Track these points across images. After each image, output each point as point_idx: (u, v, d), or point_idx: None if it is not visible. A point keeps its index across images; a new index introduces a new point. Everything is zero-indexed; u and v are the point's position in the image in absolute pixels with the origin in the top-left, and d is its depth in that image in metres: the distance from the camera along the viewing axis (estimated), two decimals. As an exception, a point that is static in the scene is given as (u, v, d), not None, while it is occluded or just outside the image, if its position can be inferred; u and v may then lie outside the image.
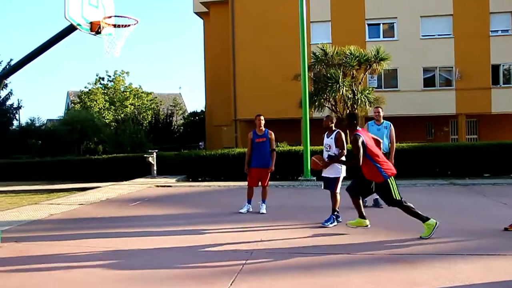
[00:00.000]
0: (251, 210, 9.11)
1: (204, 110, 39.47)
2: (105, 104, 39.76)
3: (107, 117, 38.37)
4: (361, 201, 7.08)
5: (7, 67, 32.91)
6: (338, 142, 7.63)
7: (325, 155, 7.76)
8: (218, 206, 10.22)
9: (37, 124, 39.42)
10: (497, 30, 27.07)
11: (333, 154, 7.61)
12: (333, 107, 19.71)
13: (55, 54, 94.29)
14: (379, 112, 9.36)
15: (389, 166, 6.84)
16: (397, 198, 6.68)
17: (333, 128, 7.77)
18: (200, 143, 34.63)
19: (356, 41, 23.30)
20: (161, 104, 46.38)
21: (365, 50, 20.51)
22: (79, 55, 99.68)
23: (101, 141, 32.72)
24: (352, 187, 7.05)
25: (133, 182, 16.06)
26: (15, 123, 38.39)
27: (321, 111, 19.91)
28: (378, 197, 9.25)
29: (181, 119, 46.79)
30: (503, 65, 27.19)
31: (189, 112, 48.84)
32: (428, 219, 6.61)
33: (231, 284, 4.85)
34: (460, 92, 27.19)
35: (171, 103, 49.94)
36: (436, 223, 6.58)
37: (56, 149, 32.91)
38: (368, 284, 4.78)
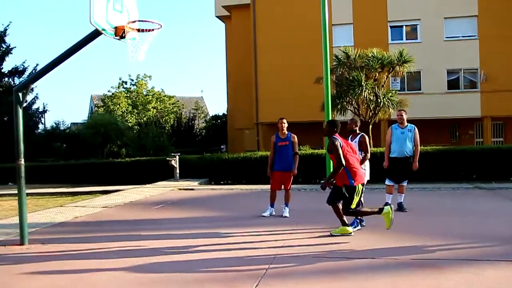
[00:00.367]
0: (274, 213, 9.10)
1: (226, 113, 39.60)
2: (128, 107, 40.20)
3: (130, 120, 38.78)
4: (341, 208, 7.06)
5: (34, 72, 33.58)
6: (362, 146, 7.57)
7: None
8: (241, 210, 10.23)
9: (61, 128, 40.03)
10: (524, 31, 26.55)
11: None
12: (356, 110, 19.57)
13: (79, 59, 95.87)
14: (402, 115, 9.25)
15: (360, 174, 6.93)
16: (352, 209, 6.86)
17: (358, 132, 7.71)
18: (222, 146, 34.74)
19: (378, 43, 23.11)
20: (183, 108, 46.71)
21: (388, 52, 20.32)
22: (102, 59, 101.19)
23: (124, 144, 33.10)
24: (330, 199, 7.13)
25: (156, 185, 16.20)
26: (41, 126, 39.04)
27: (343, 114, 19.78)
28: (402, 200, 9.17)
29: (203, 123, 47.03)
30: (529, 67, 26.66)
31: (211, 115, 49.08)
32: (346, 225, 7.00)
33: (254, 288, 4.83)
34: (485, 95, 26.72)
35: (193, 107, 50.24)
36: (351, 232, 6.95)
37: (80, 152, 33.39)
38: (393, 290, 4.71)
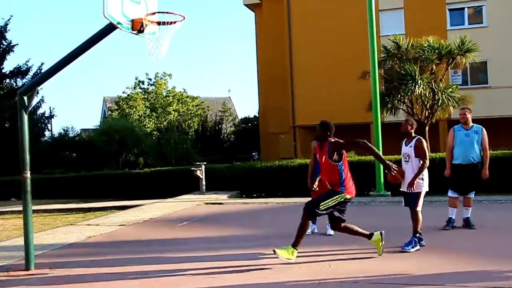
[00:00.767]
0: (316, 231, 9.05)
1: (257, 115, 39.70)
2: (145, 110, 40.72)
3: (148, 125, 39.29)
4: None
5: (38, 72, 34.41)
6: (419, 151, 7.45)
7: (404, 165, 7.59)
8: (277, 227, 10.19)
9: (70, 135, 40.67)
10: None
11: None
12: (409, 109, 19.37)
13: (90, 56, 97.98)
14: (466, 114, 9.07)
15: (352, 186, 7.05)
16: (320, 209, 6.85)
17: (413, 134, 7.60)
18: (254, 153, 34.80)
19: (435, 30, 22.73)
20: (208, 110, 47.05)
21: (447, 40, 20.03)
22: (116, 56, 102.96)
23: (142, 152, 33.51)
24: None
25: (179, 199, 16.34)
26: (47, 133, 39.84)
27: (394, 115, 19.60)
28: (469, 215, 8.97)
29: (231, 126, 47.27)
30: None
31: (240, 118, 49.29)
32: (295, 248, 6.84)
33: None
34: None
35: (220, 108, 50.56)
36: (291, 259, 6.78)
37: (92, 163, 33.95)
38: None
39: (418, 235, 7.50)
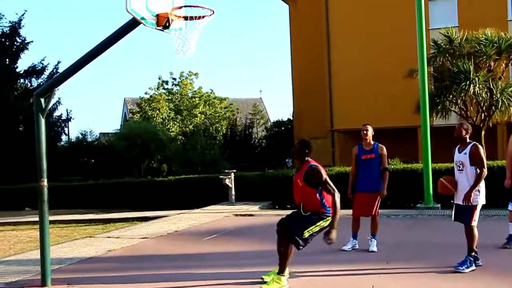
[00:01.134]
0: (357, 247, 8.98)
1: (291, 118, 39.71)
2: (169, 113, 41.04)
3: (172, 129, 39.62)
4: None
5: (55, 71, 35.05)
6: (475, 158, 7.32)
7: (457, 175, 7.47)
8: (314, 241, 10.10)
9: (89, 139, 41.36)
10: None
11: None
12: (463, 112, 19.16)
13: (109, 54, 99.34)
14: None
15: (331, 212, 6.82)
16: (304, 235, 6.66)
17: (468, 140, 7.48)
18: (288, 160, 34.78)
19: (493, 21, 22.44)
20: (238, 112, 47.21)
21: (507, 33, 19.72)
22: (138, 54, 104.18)
23: (166, 158, 33.84)
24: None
25: (207, 209, 16.40)
26: (64, 138, 40.49)
27: (445, 117, 19.38)
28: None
29: (263, 130, 47.36)
30: None
31: (272, 121, 49.36)
32: (281, 274, 6.70)
33: None
34: None
35: (250, 111, 50.75)
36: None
37: (112, 169, 34.41)
38: None
39: (473, 253, 7.36)
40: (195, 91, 43.59)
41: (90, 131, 42.21)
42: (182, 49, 6.05)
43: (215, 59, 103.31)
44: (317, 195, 6.76)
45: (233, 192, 17.86)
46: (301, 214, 6.84)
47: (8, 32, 34.62)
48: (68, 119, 40.05)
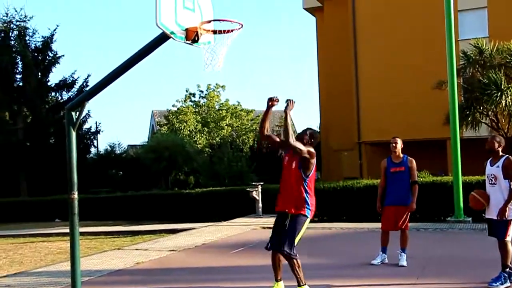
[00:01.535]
0: (386, 261, 8.90)
1: (318, 130, 39.56)
2: (196, 125, 41.27)
3: (199, 141, 39.79)
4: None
5: (85, 84, 35.60)
6: (508, 171, 7.19)
7: (489, 188, 7.35)
8: (342, 255, 10.08)
9: (117, 151, 41.75)
10: None
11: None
12: (493, 123, 18.93)
13: (137, 67, 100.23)
14: None
15: (314, 207, 6.81)
16: (295, 246, 6.58)
17: (500, 153, 7.36)
18: (315, 173, 34.64)
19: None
20: (265, 124, 47.22)
21: (541, 42, 19.45)
22: (166, 66, 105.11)
23: (193, 171, 33.98)
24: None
25: (234, 222, 16.44)
26: (93, 150, 40.91)
27: (476, 129, 19.17)
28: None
29: (290, 142, 47.29)
30: None
31: (299, 133, 49.26)
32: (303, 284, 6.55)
33: None
34: None
35: (277, 123, 50.72)
36: None
37: (140, 181, 34.68)
38: None
39: (507, 269, 7.23)
40: (222, 104, 43.75)
41: (119, 143, 42.66)
42: (211, 63, 6.08)
43: (242, 71, 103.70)
44: (303, 187, 6.77)
45: (260, 204, 17.87)
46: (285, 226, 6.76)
47: (40, 47, 35.29)
48: (97, 132, 40.42)
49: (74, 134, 6.78)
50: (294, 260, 6.59)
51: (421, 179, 16.42)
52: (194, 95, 43.83)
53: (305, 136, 6.97)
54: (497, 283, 7.09)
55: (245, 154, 35.54)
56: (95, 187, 31.68)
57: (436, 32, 19.86)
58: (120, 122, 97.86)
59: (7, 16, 34.15)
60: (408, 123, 25.69)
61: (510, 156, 7.35)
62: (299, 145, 6.63)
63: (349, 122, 29.87)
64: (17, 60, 34.34)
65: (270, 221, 16.08)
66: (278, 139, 7.11)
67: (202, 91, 43.77)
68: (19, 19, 34.44)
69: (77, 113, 6.84)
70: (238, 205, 18.95)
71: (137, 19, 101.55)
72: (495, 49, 19.01)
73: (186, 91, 44.03)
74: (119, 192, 28.25)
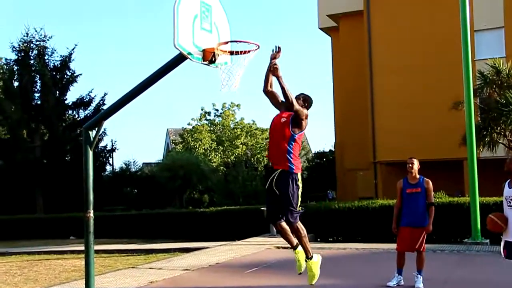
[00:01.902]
0: (402, 283, 8.80)
1: (333, 150, 39.53)
2: (211, 144, 41.38)
3: (214, 160, 39.86)
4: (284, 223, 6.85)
5: (102, 102, 35.92)
6: (525, 194, 7.12)
7: (507, 211, 7.27)
8: (358, 276, 10.01)
9: (132, 169, 41.93)
10: None
11: None
12: (511, 144, 18.78)
13: (153, 85, 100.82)
14: None
15: (299, 164, 6.87)
16: (298, 211, 6.66)
17: (518, 175, 7.29)
18: (329, 192, 34.57)
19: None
20: (278, 143, 47.25)
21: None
22: (180, 85, 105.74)
23: (207, 189, 34.02)
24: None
25: (248, 241, 16.37)
26: (108, 168, 41.09)
27: (493, 150, 19.03)
28: None
29: (304, 162, 47.20)
30: None
31: (313, 152, 49.20)
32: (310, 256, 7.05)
33: None
34: None
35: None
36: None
37: (155, 199, 34.75)
38: None
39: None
40: (237, 122, 43.85)
41: (134, 161, 42.90)
42: (227, 83, 6.14)
43: (257, 90, 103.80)
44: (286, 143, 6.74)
45: (275, 224, 17.79)
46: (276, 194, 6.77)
47: (59, 66, 35.73)
48: (113, 150, 40.62)
49: (91, 153, 6.84)
50: (298, 226, 6.85)
51: (438, 200, 16.31)
52: (209, 113, 43.99)
53: (299, 101, 7.01)
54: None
55: (260, 173, 35.52)
56: (110, 205, 31.75)
57: (453, 52, 19.87)
58: (135, 140, 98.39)
59: (27, 36, 34.74)
60: (425, 143, 25.56)
61: (528, 179, 7.27)
62: (300, 106, 6.77)
63: (364, 141, 29.77)
64: (36, 79, 34.83)
65: (284, 241, 16.06)
66: (279, 99, 7.06)
67: (217, 110, 43.93)
68: (38, 39, 35.01)
69: (94, 132, 6.91)
70: (252, 225, 18.91)
71: (154, 38, 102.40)
72: (512, 68, 18.97)
73: (201, 109, 44.22)
74: (134, 210, 28.34)
